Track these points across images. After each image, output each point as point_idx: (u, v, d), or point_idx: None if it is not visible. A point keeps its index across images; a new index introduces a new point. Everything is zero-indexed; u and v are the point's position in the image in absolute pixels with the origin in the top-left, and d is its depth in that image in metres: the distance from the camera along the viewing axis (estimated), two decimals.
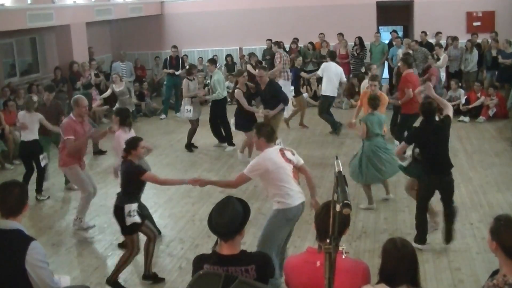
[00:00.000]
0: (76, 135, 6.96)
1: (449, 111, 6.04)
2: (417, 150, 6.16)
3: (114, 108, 11.23)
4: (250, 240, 6.19)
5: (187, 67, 11.79)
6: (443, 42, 14.43)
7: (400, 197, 7.72)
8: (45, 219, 7.83)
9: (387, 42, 15.61)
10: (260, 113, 9.55)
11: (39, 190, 8.57)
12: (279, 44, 13.32)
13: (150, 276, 5.81)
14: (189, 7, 17.40)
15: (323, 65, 11.83)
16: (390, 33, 15.93)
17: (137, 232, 5.69)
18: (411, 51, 12.91)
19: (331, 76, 11.38)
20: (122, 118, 6.86)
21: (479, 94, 12.44)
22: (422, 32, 14.62)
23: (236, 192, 6.94)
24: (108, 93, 12.61)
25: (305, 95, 13.59)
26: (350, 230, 3.26)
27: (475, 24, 15.82)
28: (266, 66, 12.10)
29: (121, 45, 17.43)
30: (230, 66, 16.28)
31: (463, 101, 12.40)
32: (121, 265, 5.67)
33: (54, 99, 9.67)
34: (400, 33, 17.28)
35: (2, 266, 3.18)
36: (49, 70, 14.18)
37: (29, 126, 8.39)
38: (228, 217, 3.12)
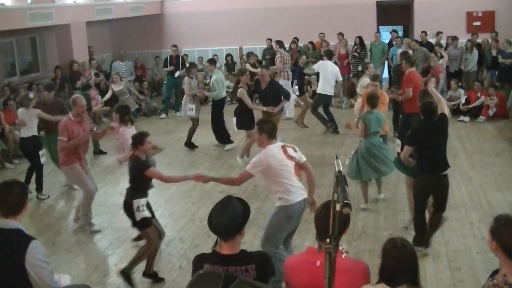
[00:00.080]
0: (72, 135, 6.96)
1: (444, 108, 6.03)
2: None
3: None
4: (250, 239, 6.20)
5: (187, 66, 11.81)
6: (443, 42, 14.43)
7: (400, 197, 7.72)
8: (45, 218, 7.83)
9: (387, 41, 15.58)
10: (265, 110, 9.53)
11: (39, 189, 8.56)
12: (280, 43, 13.32)
13: (150, 274, 5.80)
14: (189, 7, 17.40)
15: (320, 62, 11.82)
16: (390, 32, 15.90)
17: (150, 226, 5.66)
18: (411, 51, 12.90)
19: (328, 75, 11.36)
20: (122, 115, 6.88)
21: (479, 94, 12.44)
22: (422, 32, 14.60)
23: (236, 192, 6.96)
24: (108, 95, 12.53)
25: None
26: (350, 230, 3.26)
27: (475, 24, 15.81)
28: (267, 65, 12.07)
29: (121, 45, 17.41)
30: (230, 65, 16.28)
31: (463, 101, 12.41)
32: (138, 258, 5.66)
33: (55, 97, 9.65)
34: (400, 33, 17.28)
35: (2, 266, 3.18)
36: (49, 69, 14.19)
37: (27, 122, 8.39)
38: (228, 217, 3.12)
